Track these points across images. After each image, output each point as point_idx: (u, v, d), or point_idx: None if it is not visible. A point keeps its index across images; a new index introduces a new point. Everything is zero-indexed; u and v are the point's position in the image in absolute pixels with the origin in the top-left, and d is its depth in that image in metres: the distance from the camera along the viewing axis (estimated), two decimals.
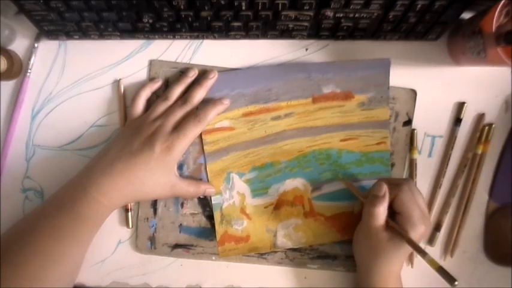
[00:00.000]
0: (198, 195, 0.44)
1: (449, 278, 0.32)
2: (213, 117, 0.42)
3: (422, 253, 0.35)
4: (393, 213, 0.39)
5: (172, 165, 0.40)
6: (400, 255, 0.38)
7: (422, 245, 0.44)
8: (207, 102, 0.42)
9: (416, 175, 0.45)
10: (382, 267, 0.38)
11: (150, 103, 0.44)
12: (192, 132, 0.40)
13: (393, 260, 0.38)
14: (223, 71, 0.44)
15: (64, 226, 0.37)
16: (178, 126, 0.40)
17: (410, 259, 0.45)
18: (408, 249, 0.37)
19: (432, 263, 0.34)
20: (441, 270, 0.33)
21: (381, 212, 0.38)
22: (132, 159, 0.38)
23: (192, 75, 0.43)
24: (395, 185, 0.38)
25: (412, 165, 0.45)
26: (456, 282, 0.32)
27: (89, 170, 0.39)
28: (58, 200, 0.39)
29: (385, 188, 0.38)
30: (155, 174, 0.39)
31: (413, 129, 0.44)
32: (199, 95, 0.42)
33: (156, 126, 0.40)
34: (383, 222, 0.38)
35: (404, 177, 0.45)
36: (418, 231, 0.37)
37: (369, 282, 0.39)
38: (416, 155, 0.44)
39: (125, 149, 0.39)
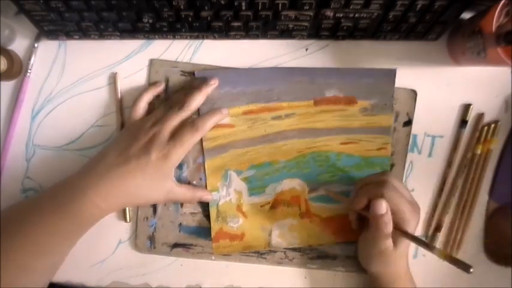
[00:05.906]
0: (194, 201, 0.44)
1: (464, 266, 0.31)
2: (211, 126, 0.42)
3: (431, 248, 0.35)
4: None
5: (168, 172, 0.40)
6: (405, 252, 0.39)
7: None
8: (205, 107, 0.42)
9: None
10: (391, 268, 0.40)
11: (152, 107, 0.44)
12: (188, 141, 0.40)
13: (399, 257, 0.39)
14: (226, 68, 0.44)
15: (58, 223, 0.38)
16: (175, 135, 0.40)
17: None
18: (407, 242, 0.38)
19: (443, 254, 0.34)
20: (453, 260, 0.33)
21: (390, 228, 0.37)
22: (129, 165, 0.38)
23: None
24: (378, 184, 0.38)
25: None
26: (471, 269, 0.31)
27: (88, 172, 0.39)
28: (55, 197, 0.39)
29: (385, 205, 0.36)
30: (152, 181, 0.39)
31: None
32: (197, 101, 0.41)
33: (153, 133, 0.39)
34: (390, 231, 0.38)
35: (403, 177, 0.45)
36: (413, 225, 0.38)
37: (382, 283, 0.41)
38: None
39: (122, 155, 0.39)
